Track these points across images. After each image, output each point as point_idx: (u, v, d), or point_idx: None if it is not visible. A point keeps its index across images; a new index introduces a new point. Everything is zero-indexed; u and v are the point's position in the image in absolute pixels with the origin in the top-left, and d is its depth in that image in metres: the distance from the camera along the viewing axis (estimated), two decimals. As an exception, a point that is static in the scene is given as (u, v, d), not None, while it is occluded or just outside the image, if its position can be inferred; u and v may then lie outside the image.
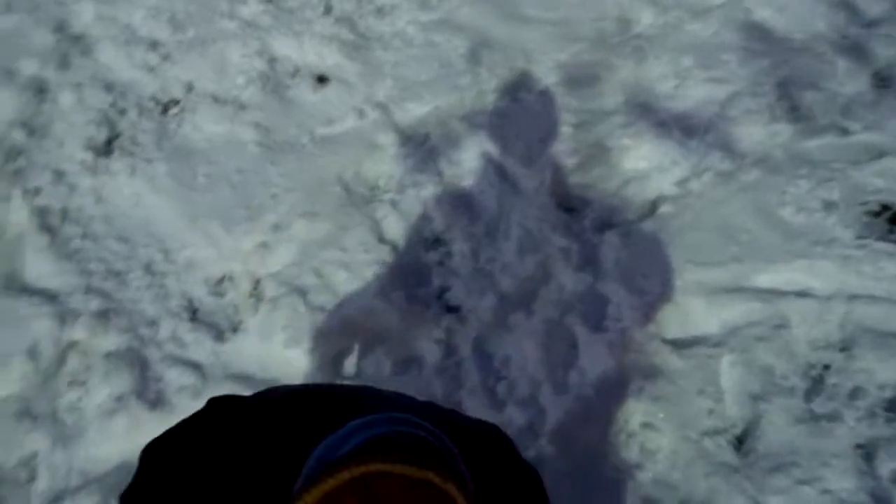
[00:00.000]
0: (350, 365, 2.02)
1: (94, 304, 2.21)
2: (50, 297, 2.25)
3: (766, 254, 2.07)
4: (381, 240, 2.26)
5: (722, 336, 1.97)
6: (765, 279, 2.04)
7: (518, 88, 2.55)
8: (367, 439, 0.61)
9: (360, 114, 2.52)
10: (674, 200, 2.24)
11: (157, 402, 2.02)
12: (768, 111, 2.29)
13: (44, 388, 2.09)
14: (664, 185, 2.28)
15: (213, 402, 0.94)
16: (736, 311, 1.99)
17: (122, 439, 1.95)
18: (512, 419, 1.90)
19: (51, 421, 2.03)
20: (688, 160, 2.29)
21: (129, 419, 1.97)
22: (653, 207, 2.24)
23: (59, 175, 2.50)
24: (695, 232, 2.16)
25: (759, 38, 2.47)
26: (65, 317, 2.19)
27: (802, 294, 1.96)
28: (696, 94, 2.41)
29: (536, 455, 1.82)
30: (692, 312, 2.02)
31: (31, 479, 1.95)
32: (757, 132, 2.27)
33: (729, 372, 1.90)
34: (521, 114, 2.48)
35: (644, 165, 2.33)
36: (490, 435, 0.91)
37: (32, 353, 2.11)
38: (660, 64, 2.50)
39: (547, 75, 2.53)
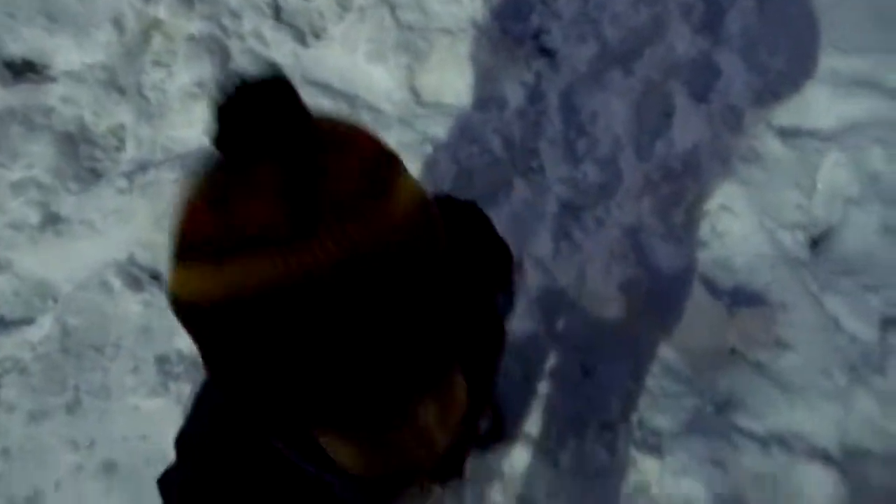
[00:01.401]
0: (430, 89, 1.94)
1: (178, -16, 2.11)
2: (133, -32, 2.16)
3: (920, 50, 1.79)
4: (485, -39, 2.03)
5: (836, 132, 1.79)
6: (908, 78, 1.79)
7: None
8: None
9: None
10: (833, -32, 1.89)
11: (237, 95, 2.01)
12: None
13: (129, 62, 2.10)
14: (827, -54, 1.91)
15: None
16: (862, 107, 1.78)
17: (203, 124, 1.99)
18: (586, 176, 1.85)
19: (136, 95, 2.07)
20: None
21: (210, 105, 1.99)
22: (805, -28, 1.91)
23: None
24: (845, 10, 1.87)
25: None
26: (149, -8, 2.12)
27: (947, 101, 1.73)
28: None
29: (603, 213, 1.80)
30: (813, 102, 1.83)
31: (120, 148, 2.05)
32: None
33: (831, 170, 1.76)
34: None
35: (810, -82, 1.94)
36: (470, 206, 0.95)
37: (117, 23, 2.09)
38: None
39: None
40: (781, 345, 1.61)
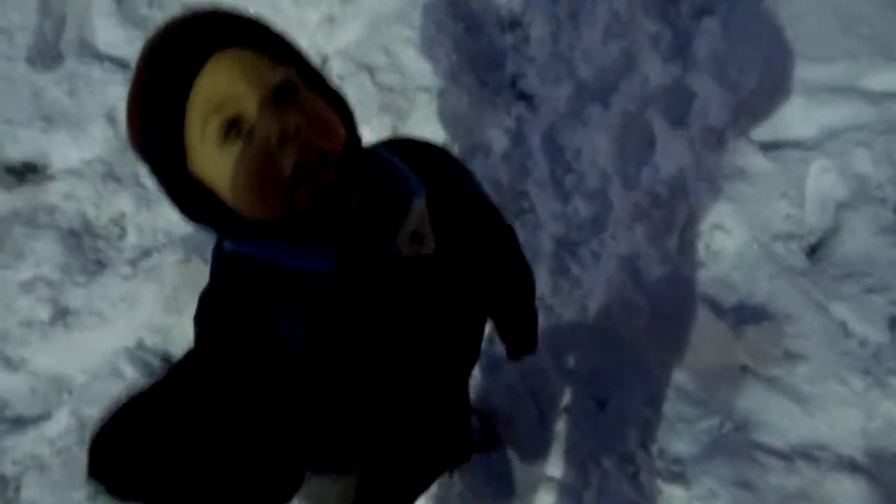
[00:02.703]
0: (417, 147, 1.99)
1: (165, 73, 2.20)
2: (121, 64, 2.25)
3: (886, 50, 1.84)
4: (455, 18, 2.11)
5: (818, 140, 1.82)
6: (879, 80, 1.83)
7: None
8: None
9: None
10: (789, -16, 1.95)
11: (230, 172, 2.07)
12: None
13: (125, 154, 2.17)
14: (781, -36, 1.98)
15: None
16: (839, 113, 1.82)
17: (200, 204, 2.05)
18: (578, 211, 1.88)
19: (134, 184, 2.13)
20: (815, -65, 1.95)
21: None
22: (763, -9, 1.97)
23: (118, -67, 2.37)
24: (809, 20, 1.91)
25: None
26: (138, 85, 2.20)
27: (920, 98, 1.76)
28: None
29: (598, 246, 1.82)
30: (789, 113, 1.86)
31: (122, 236, 2.10)
32: None
33: (818, 177, 1.78)
34: None
35: (761, -60, 2.01)
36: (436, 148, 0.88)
37: (110, 118, 2.17)
38: None
39: None
40: (792, 357, 1.61)
